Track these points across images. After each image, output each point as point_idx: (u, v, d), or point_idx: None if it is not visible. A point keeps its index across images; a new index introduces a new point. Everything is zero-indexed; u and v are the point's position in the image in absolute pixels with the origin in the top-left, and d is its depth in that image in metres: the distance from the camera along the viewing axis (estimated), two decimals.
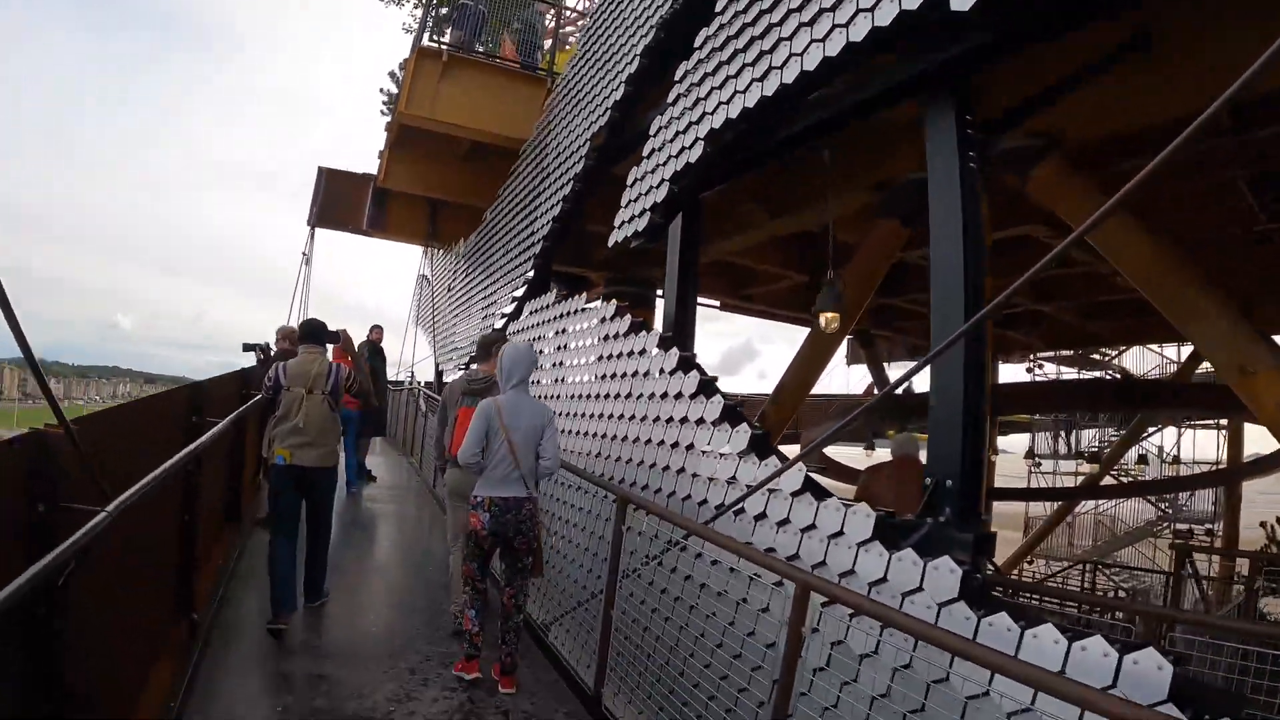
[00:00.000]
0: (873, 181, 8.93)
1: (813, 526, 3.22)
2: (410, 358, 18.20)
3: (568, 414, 5.64)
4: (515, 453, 4.14)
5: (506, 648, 4.25)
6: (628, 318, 5.13)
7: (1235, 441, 17.16)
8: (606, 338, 5.31)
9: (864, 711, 2.82)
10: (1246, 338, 5.97)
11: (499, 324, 8.55)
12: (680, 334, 4.85)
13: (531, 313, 7.30)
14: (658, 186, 5.17)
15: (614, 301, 5.38)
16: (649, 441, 4.46)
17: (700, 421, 4.02)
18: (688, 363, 4.39)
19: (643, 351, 4.81)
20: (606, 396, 5.09)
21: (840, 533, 3.12)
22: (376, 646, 4.64)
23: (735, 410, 3.92)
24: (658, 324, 5.21)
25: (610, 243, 5.65)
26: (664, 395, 4.41)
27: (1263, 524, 13.85)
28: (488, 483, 4.18)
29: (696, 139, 4.87)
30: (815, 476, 3.49)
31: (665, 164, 5.15)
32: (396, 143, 14.02)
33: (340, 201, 18.46)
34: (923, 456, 4.82)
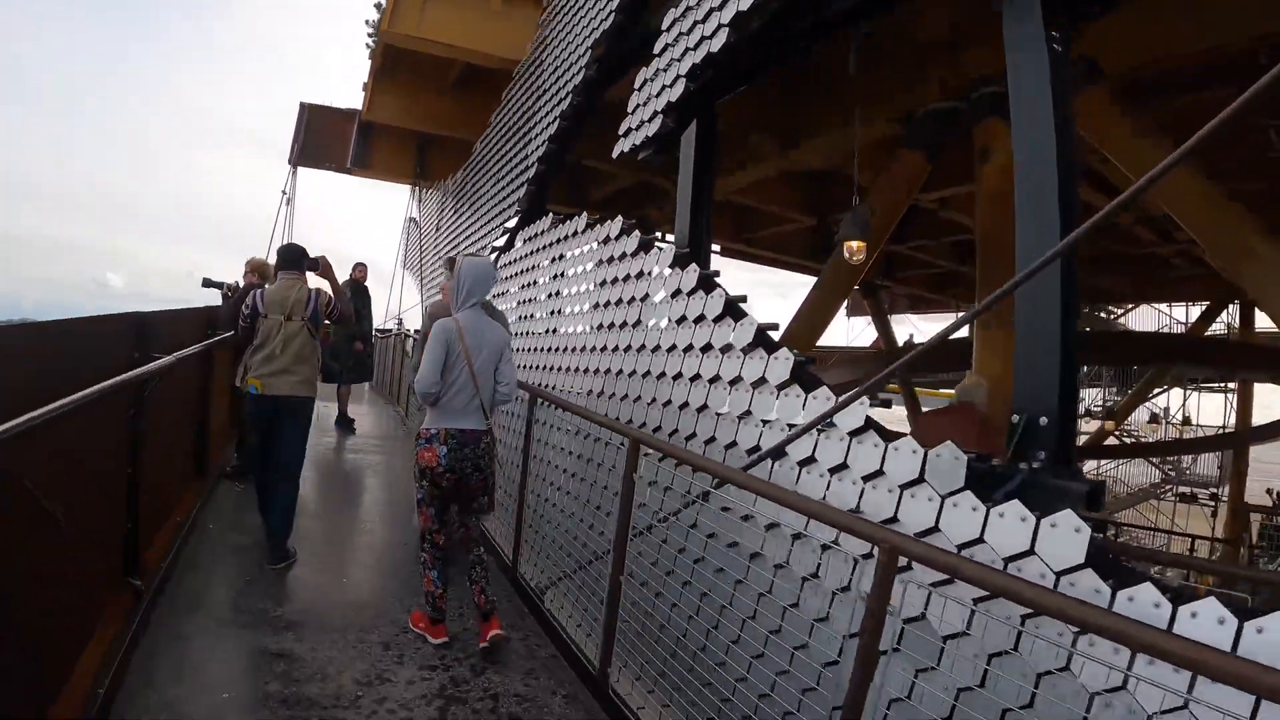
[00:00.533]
0: (896, 112, 8.18)
1: (879, 474, 2.54)
2: (397, 305, 17.40)
3: (567, 349, 4.92)
4: (476, 379, 3.67)
5: (477, 586, 3.79)
6: (636, 234, 4.38)
7: (1244, 405, 16.59)
8: (611, 259, 4.57)
9: (948, 704, 2.19)
10: None
11: (490, 257, 7.79)
12: (696, 251, 4.12)
13: (525, 241, 6.53)
14: (671, 85, 4.39)
15: (619, 217, 4.63)
16: (662, 375, 3.75)
17: (727, 349, 3.31)
18: (709, 281, 3.67)
19: (655, 273, 4.08)
20: (612, 326, 4.36)
21: (918, 481, 2.44)
22: (346, 616, 3.96)
23: (769, 334, 3.22)
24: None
25: (615, 153, 4.87)
26: (681, 320, 3.69)
27: (1269, 490, 13.37)
28: (446, 413, 3.68)
29: (720, 25, 4.08)
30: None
31: (682, 58, 4.36)
32: (381, 70, 13.07)
33: (323, 138, 17.54)
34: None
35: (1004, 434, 2.74)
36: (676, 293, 3.77)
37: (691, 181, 4.35)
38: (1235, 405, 17.09)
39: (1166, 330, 17.98)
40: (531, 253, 6.21)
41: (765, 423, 3.02)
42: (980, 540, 2.27)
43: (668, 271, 3.94)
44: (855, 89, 7.46)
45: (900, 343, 19.76)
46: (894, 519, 2.47)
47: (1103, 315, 18.36)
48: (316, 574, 4.58)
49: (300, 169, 17.77)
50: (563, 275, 5.35)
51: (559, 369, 4.96)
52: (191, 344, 5.04)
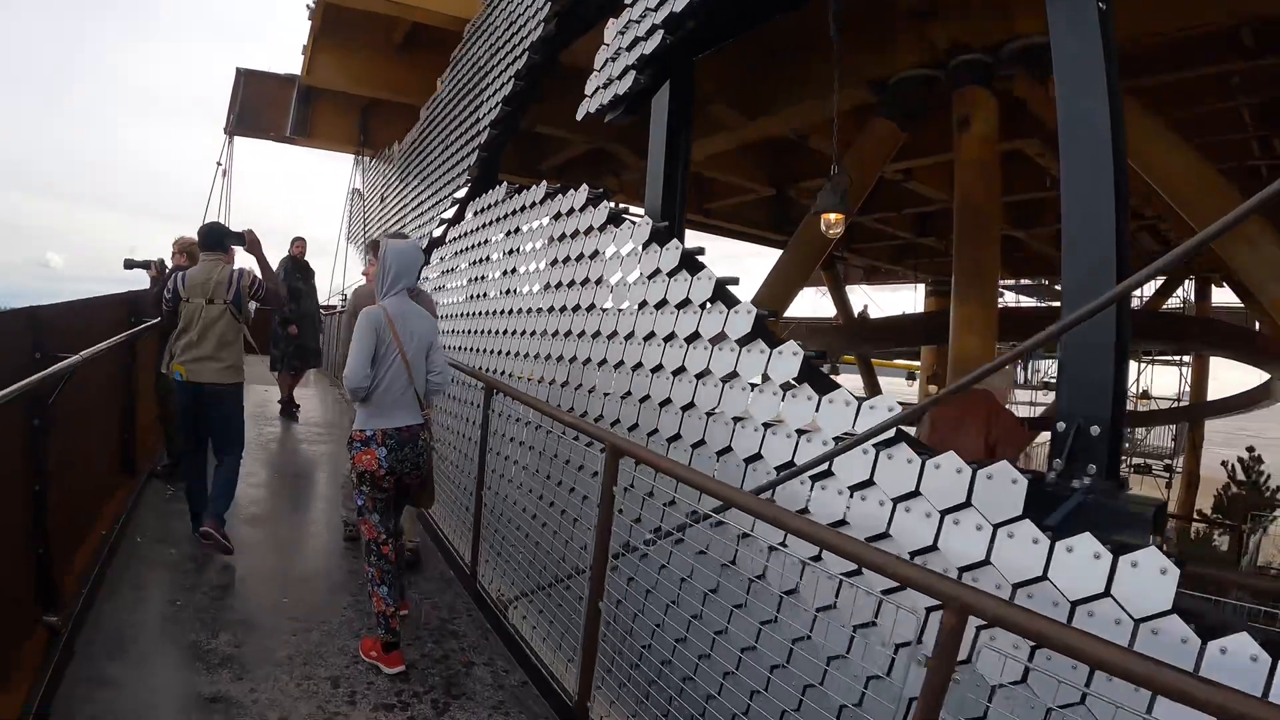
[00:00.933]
0: (869, 78, 7.76)
1: (913, 494, 2.11)
2: (342, 282, 16.56)
3: (525, 332, 4.40)
4: (410, 370, 3.38)
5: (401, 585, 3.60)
6: (605, 206, 3.87)
7: (1200, 379, 16.78)
8: (575, 234, 4.04)
9: None
10: None
11: (437, 231, 7.17)
12: (671, 226, 3.63)
13: (476, 213, 5.94)
14: (646, 37, 3.84)
15: (584, 186, 4.10)
16: (639, 367, 3.27)
17: (720, 339, 2.84)
18: (693, 261, 3.19)
19: (628, 250, 3.57)
20: (578, 309, 3.85)
21: (964, 505, 2.01)
22: (290, 645, 3.42)
23: (768, 326, 2.76)
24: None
25: (581, 113, 4.32)
26: (661, 304, 3.21)
27: (1224, 462, 13.50)
28: (380, 409, 3.36)
29: None
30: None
31: (658, 7, 3.82)
32: (322, 30, 12.12)
33: (262, 106, 16.44)
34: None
35: (1019, 426, 2.36)
36: (655, 273, 3.28)
37: (664, 148, 3.85)
38: (1190, 379, 17.27)
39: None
40: (483, 225, 5.63)
41: (768, 426, 2.56)
42: (1042, 578, 1.86)
43: (643, 249, 3.44)
44: (827, 56, 6.99)
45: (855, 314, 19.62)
46: (932, 547, 2.05)
47: (1058, 288, 18.34)
48: (255, 591, 4.02)
49: (240, 139, 16.72)
50: (519, 251, 4.80)
51: (517, 354, 4.43)
52: (109, 336, 4.49)
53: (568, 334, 3.88)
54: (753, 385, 2.65)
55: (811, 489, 2.35)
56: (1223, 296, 15.46)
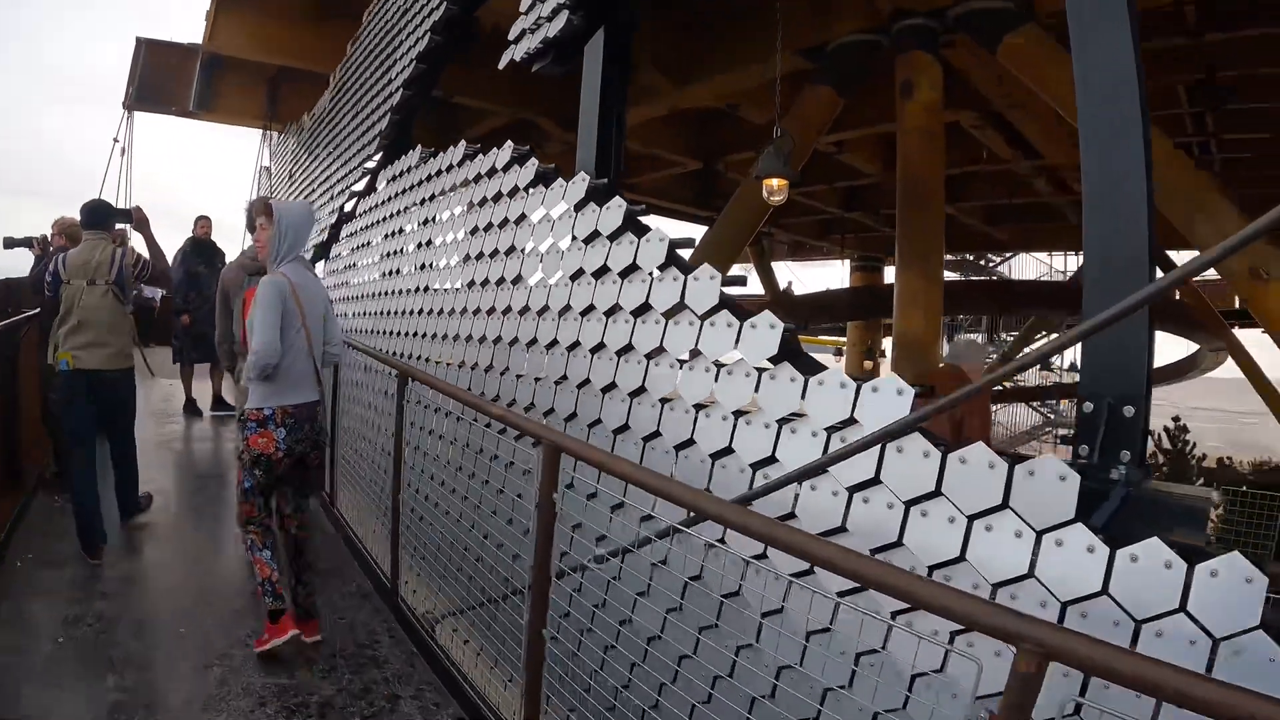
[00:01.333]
0: (806, 45, 7.32)
1: (933, 495, 1.67)
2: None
3: (442, 311, 3.81)
4: (311, 342, 3.16)
5: (305, 589, 3.32)
6: (532, 164, 3.30)
7: None
8: (499, 196, 3.46)
9: None
10: (1261, 244, 4.88)
11: (349, 205, 6.45)
12: (613, 185, 3.09)
13: (389, 181, 5.27)
14: None
15: (508, 143, 3.52)
16: (576, 347, 2.74)
17: (677, 311, 2.34)
18: (638, 221, 2.67)
19: (561, 212, 3.02)
20: (503, 282, 3.29)
21: (998, 508, 1.58)
22: (185, 687, 2.85)
23: (732, 297, 2.26)
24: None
25: (503, 61, 3.74)
26: (601, 272, 2.69)
27: (1150, 432, 13.76)
28: (282, 386, 3.09)
29: None
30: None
31: None
32: None
33: (163, 78, 15.03)
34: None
35: (986, 402, 1.96)
36: (593, 236, 2.75)
37: (599, 98, 3.30)
38: None
39: (1047, 278, 18.32)
40: (397, 195, 4.97)
41: (739, 415, 2.08)
42: (1102, 593, 1.45)
43: (576, 210, 2.90)
44: (764, 19, 6.53)
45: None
46: (960, 559, 1.61)
47: (983, 264, 18.54)
48: (149, 622, 3.41)
49: (141, 114, 15.28)
50: (435, 220, 4.19)
51: (436, 337, 3.84)
52: None
53: (491, 311, 3.31)
54: (719, 366, 2.16)
55: (798, 492, 1.89)
56: None
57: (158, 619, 3.43)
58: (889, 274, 18.76)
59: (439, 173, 4.23)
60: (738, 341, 2.07)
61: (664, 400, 2.33)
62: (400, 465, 3.56)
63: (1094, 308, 1.80)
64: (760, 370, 2.02)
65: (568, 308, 2.81)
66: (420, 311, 4.07)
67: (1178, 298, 14.89)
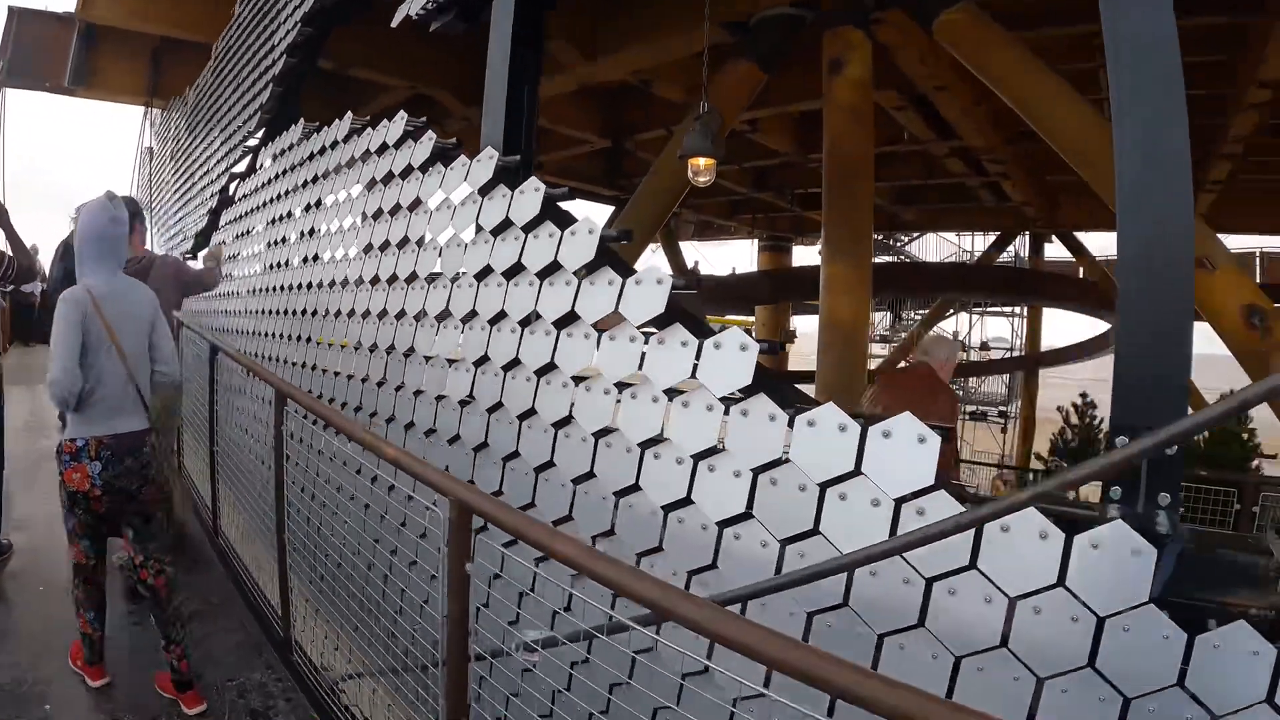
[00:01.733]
0: (726, 19, 6.82)
1: (967, 569, 1.21)
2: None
3: (330, 313, 3.16)
4: (127, 363, 2.68)
5: (178, 648, 2.77)
6: (429, 138, 2.68)
7: (1034, 329, 17.43)
8: (390, 178, 2.84)
9: None
10: (1200, 228, 4.69)
11: (234, 188, 5.62)
12: (527, 164, 2.52)
13: (272, 160, 4.52)
14: None
15: (401, 114, 2.88)
16: (484, 364, 2.18)
17: (615, 324, 1.81)
18: (558, 210, 2.12)
19: (464, 197, 2.44)
20: (395, 281, 2.67)
21: (1054, 585, 1.14)
22: None
23: (684, 308, 1.75)
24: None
25: (397, 19, 3.11)
26: (514, 271, 2.13)
27: (1059, 408, 14.00)
28: (94, 415, 2.63)
29: None
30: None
31: None
32: None
33: (37, 52, 13.39)
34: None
35: (955, 411, 1.61)
36: (504, 227, 2.18)
37: (508, 62, 2.71)
38: (1025, 330, 17.93)
39: (955, 259, 18.51)
40: (279, 175, 4.24)
41: (704, 458, 1.58)
42: (1177, 685, 1.04)
43: (483, 195, 2.32)
44: None
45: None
46: (998, 644, 1.16)
47: (891, 244, 18.58)
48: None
49: (14, 91, 13.59)
50: (320, 206, 3.52)
51: (324, 344, 3.19)
52: None
53: (384, 315, 2.70)
54: (671, 395, 1.65)
55: (781, 553, 1.40)
56: (1054, 251, 16.10)
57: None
58: (797, 254, 18.71)
59: (323, 150, 3.55)
60: (695, 369, 1.56)
61: (600, 434, 1.81)
62: (283, 499, 2.92)
63: (1134, 321, 1.44)
64: (728, 403, 1.52)
65: (473, 314, 2.24)
66: (306, 313, 3.40)
67: (1082, 275, 15.30)
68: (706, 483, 1.58)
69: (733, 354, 1.51)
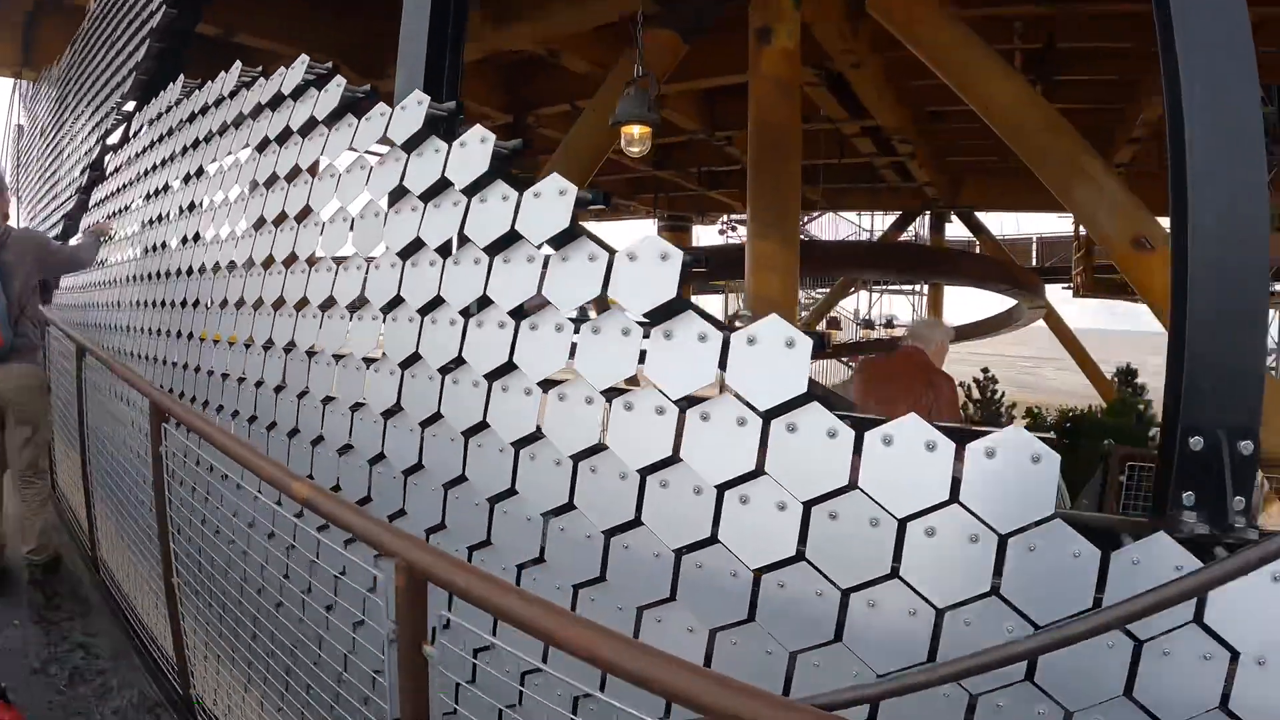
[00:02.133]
0: None
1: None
2: None
3: (218, 302, 2.54)
4: None
5: None
6: (338, 85, 2.12)
7: (936, 307, 17.57)
8: (289, 135, 2.26)
9: None
10: (1137, 206, 4.55)
11: (107, 161, 4.80)
12: (454, 116, 1.99)
13: (151, 123, 3.78)
14: None
15: (302, 58, 2.31)
16: (411, 361, 1.69)
17: (599, 316, 1.35)
18: (509, 172, 1.63)
19: (389, 161, 1.90)
20: (291, 263, 2.12)
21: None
22: None
23: (687, 300, 1.30)
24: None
25: None
26: (455, 246, 1.64)
27: (961, 384, 14.14)
28: None
29: None
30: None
31: None
32: None
33: None
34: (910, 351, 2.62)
35: (956, 397, 1.45)
36: (439, 189, 1.67)
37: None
38: (926, 307, 18.06)
39: (854, 238, 18.57)
40: (156, 142, 3.54)
41: (732, 488, 1.14)
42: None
43: (410, 154, 1.80)
44: None
45: None
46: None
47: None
48: None
49: None
50: (203, 175, 2.87)
51: (210, 341, 2.58)
52: None
53: (280, 305, 2.13)
54: (683, 407, 1.20)
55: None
56: (955, 231, 16.29)
57: None
58: (696, 233, 18.44)
59: (205, 110, 2.91)
60: (724, 365, 1.12)
61: (579, 456, 1.35)
62: (168, 536, 2.33)
63: (1204, 311, 1.22)
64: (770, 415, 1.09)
65: (398, 301, 1.73)
66: (188, 304, 2.76)
67: (979, 250, 15.58)
68: (737, 515, 1.15)
69: (776, 351, 1.07)
